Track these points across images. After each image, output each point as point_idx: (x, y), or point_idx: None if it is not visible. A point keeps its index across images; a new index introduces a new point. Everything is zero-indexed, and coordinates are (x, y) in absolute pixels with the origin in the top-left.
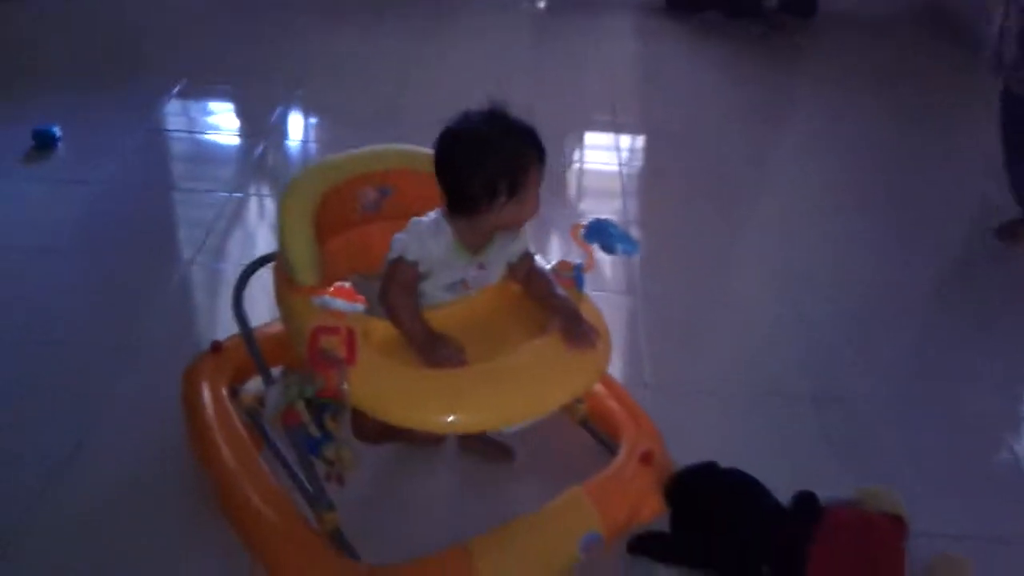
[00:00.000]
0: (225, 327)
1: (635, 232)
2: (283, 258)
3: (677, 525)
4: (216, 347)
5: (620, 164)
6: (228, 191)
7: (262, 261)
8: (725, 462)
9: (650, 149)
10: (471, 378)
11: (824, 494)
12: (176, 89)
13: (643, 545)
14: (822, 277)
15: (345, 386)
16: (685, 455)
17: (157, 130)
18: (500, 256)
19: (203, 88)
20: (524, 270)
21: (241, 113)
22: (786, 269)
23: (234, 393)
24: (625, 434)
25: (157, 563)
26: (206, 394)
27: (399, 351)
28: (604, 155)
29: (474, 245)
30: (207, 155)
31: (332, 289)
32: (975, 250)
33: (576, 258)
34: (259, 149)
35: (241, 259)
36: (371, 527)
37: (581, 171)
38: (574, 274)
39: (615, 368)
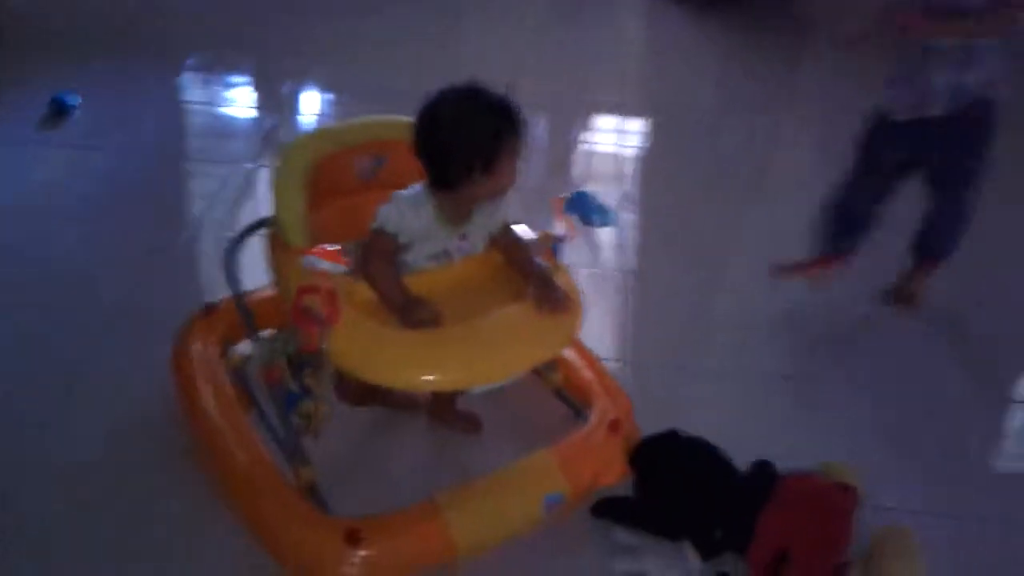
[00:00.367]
0: (225, 291)
1: (634, 213)
2: (276, 220)
3: (639, 490)
4: (209, 308)
5: (623, 145)
6: (238, 162)
7: (259, 224)
8: (705, 436)
9: (655, 131)
10: (445, 338)
11: (788, 465)
12: (191, 62)
13: (606, 509)
14: None
15: (325, 345)
16: (658, 428)
17: (173, 101)
18: (482, 227)
19: (219, 62)
20: (504, 240)
21: (256, 87)
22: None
23: (225, 354)
24: (596, 403)
25: (137, 512)
26: (195, 352)
27: (380, 313)
28: (608, 136)
29: (455, 217)
30: (220, 127)
31: (317, 249)
32: None
33: (560, 230)
34: (272, 122)
35: None
36: (346, 485)
37: (586, 151)
38: (553, 244)
39: (599, 342)
